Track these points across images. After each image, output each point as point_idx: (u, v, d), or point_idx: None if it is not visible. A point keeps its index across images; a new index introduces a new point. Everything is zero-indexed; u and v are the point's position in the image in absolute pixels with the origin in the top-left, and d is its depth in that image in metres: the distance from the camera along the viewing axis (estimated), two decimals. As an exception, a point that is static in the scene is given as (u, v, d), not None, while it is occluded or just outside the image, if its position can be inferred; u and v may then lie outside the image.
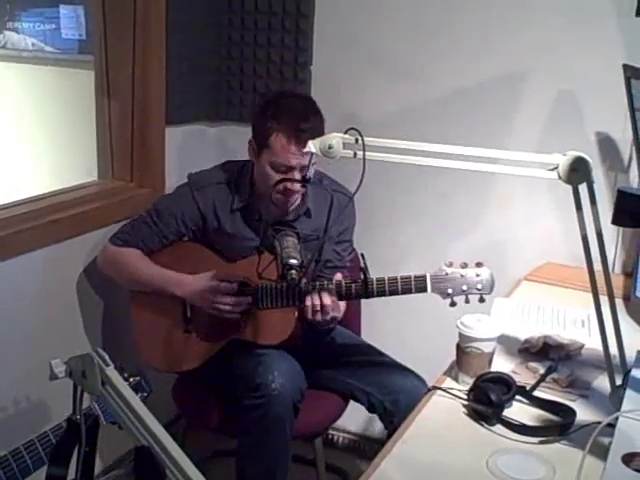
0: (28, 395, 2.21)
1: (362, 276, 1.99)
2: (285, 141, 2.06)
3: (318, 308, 2.01)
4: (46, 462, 1.52)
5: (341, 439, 3.01)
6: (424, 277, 1.96)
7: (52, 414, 2.21)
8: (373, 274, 2.00)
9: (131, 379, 1.81)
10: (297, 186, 2.11)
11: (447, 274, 1.94)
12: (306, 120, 2.08)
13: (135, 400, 0.98)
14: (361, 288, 2.00)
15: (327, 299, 2.02)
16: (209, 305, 2.14)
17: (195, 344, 2.21)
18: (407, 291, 1.98)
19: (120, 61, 2.50)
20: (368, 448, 2.95)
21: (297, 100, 2.19)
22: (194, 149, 2.85)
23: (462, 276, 1.93)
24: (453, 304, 1.92)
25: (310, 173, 2.03)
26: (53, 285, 2.31)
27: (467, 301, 1.93)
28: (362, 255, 1.98)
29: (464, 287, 1.93)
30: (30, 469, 1.52)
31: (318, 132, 2.04)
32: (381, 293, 2.00)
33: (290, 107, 2.12)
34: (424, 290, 1.96)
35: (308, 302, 2.02)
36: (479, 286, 1.92)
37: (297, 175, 2.09)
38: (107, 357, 1.00)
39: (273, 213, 2.17)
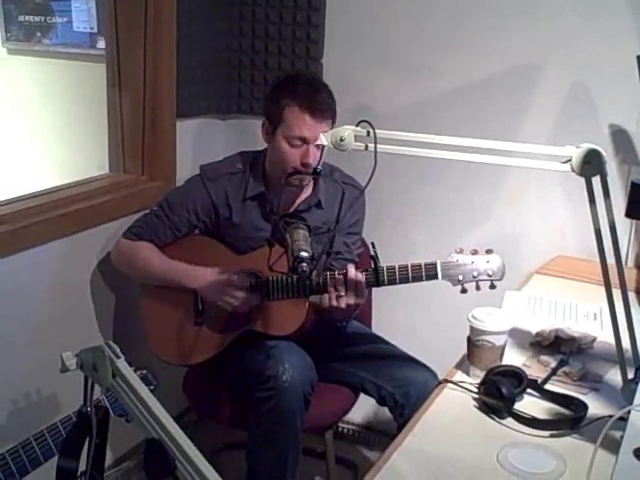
0: (38, 388, 2.22)
1: (372, 264, 1.98)
2: (298, 111, 2.07)
3: (343, 293, 1.99)
4: (56, 453, 1.52)
5: (349, 431, 3.01)
6: (435, 264, 1.95)
7: (62, 406, 2.21)
8: (383, 265, 1.99)
9: (137, 372, 1.81)
10: (312, 159, 2.09)
11: (457, 261, 1.93)
12: (319, 92, 2.10)
13: (146, 392, 0.98)
14: (372, 276, 2.00)
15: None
16: (219, 298, 2.14)
17: (206, 336, 2.21)
18: (418, 278, 1.97)
19: (131, 54, 2.50)
20: (376, 440, 2.96)
21: (308, 78, 2.22)
22: (205, 142, 2.85)
23: (472, 262, 1.92)
24: (464, 291, 1.91)
25: (321, 165, 2.04)
26: (64, 278, 2.31)
27: (478, 288, 1.91)
28: (372, 244, 1.98)
29: (475, 273, 1.92)
30: (40, 460, 1.53)
31: (331, 108, 2.10)
32: (392, 281, 1.99)
33: (302, 83, 2.14)
34: (435, 277, 1.95)
35: (330, 288, 2.01)
36: (490, 272, 1.91)
37: (312, 150, 2.08)
38: (118, 350, 1.00)
39: (285, 200, 2.17)
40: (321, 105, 2.08)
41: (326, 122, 2.09)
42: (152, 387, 1.82)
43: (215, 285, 2.15)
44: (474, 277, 1.92)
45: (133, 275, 2.32)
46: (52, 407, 2.22)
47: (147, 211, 2.30)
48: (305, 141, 2.08)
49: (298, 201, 2.26)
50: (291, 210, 2.24)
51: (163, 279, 2.23)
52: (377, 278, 1.99)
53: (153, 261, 2.24)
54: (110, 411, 1.53)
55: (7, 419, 2.12)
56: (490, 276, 1.92)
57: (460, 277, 1.92)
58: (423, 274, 1.96)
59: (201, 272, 2.19)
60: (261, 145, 2.30)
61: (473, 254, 1.93)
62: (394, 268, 1.99)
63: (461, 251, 1.94)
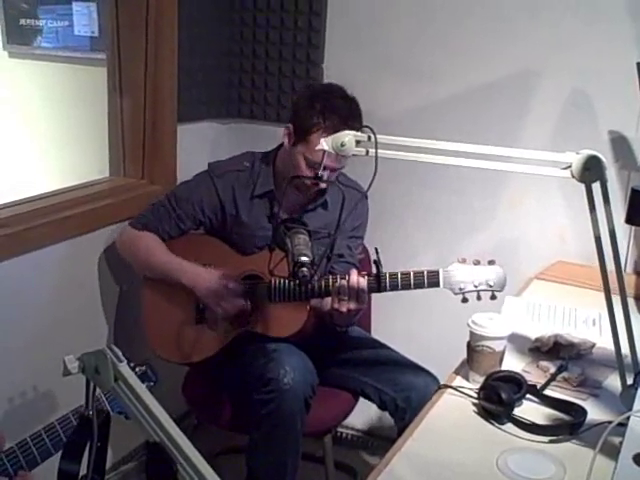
0: (36, 388, 2.22)
1: (375, 270, 1.99)
2: None
3: (345, 298, 2.00)
4: (53, 453, 1.52)
5: (348, 435, 3.01)
6: (437, 272, 1.96)
7: (59, 406, 2.21)
8: (385, 271, 2.00)
9: (137, 369, 1.81)
10: (323, 185, 2.14)
11: (460, 270, 1.94)
12: (350, 125, 2.04)
13: (148, 396, 0.98)
14: (374, 282, 2.00)
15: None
16: (215, 302, 2.15)
17: (207, 335, 2.21)
18: (419, 285, 1.98)
19: (132, 58, 2.50)
20: (375, 445, 2.96)
21: (345, 101, 2.17)
22: (206, 146, 2.86)
23: (474, 273, 1.94)
24: (465, 300, 1.92)
25: (321, 170, 2.05)
26: (65, 281, 2.32)
27: (479, 298, 1.93)
28: (376, 249, 1.99)
29: (476, 284, 1.93)
30: (37, 460, 1.52)
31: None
32: (394, 287, 2.00)
33: (338, 107, 2.12)
34: (436, 285, 1.96)
35: (333, 292, 2.01)
36: (491, 283, 1.93)
37: (326, 174, 2.11)
38: (120, 353, 1.01)
39: (293, 202, 2.19)
40: None
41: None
42: (152, 383, 1.82)
43: (213, 289, 2.15)
44: (475, 287, 1.93)
45: (134, 263, 2.32)
46: (49, 407, 2.22)
47: (155, 201, 2.31)
48: (324, 168, 2.09)
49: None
50: (299, 212, 2.25)
51: (162, 272, 2.22)
52: (379, 284, 2.00)
53: (155, 251, 2.24)
54: (109, 409, 1.53)
55: (4, 420, 2.12)
56: (491, 287, 1.93)
57: (461, 286, 1.94)
58: (425, 281, 1.98)
59: (200, 272, 2.19)
60: (263, 148, 2.31)
61: (475, 264, 1.95)
62: (396, 274, 2.00)
63: (464, 261, 1.96)
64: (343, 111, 2.12)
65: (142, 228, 2.26)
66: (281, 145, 2.25)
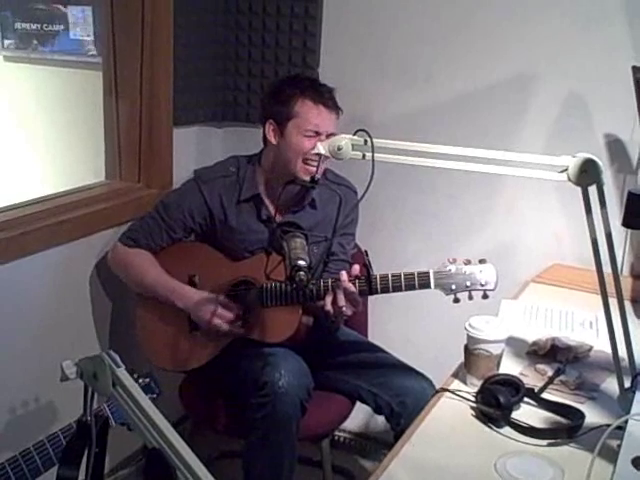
0: (38, 396, 2.21)
1: (365, 273, 1.99)
2: (312, 103, 2.13)
3: (342, 303, 1.98)
4: (56, 462, 1.52)
5: (345, 439, 3.01)
6: (427, 273, 1.95)
7: (62, 415, 2.21)
8: (376, 273, 1.99)
9: (141, 380, 1.81)
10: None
11: (451, 270, 1.94)
12: (324, 86, 2.19)
13: (146, 402, 0.98)
14: (364, 285, 2.00)
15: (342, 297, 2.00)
16: (206, 323, 2.16)
17: (201, 342, 2.21)
18: (410, 287, 1.97)
19: (128, 62, 2.50)
20: (372, 448, 2.95)
21: (308, 76, 2.31)
22: (202, 150, 2.85)
23: (465, 272, 1.93)
24: (456, 300, 1.91)
25: (318, 175, 2.04)
26: (61, 286, 2.31)
27: (470, 297, 1.92)
28: (366, 252, 1.98)
29: (467, 283, 1.92)
30: (40, 470, 1.52)
31: (337, 103, 2.19)
32: (384, 290, 1.99)
33: (306, 79, 2.24)
34: (427, 286, 1.95)
35: (328, 298, 2.00)
36: (482, 282, 1.92)
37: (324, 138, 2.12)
38: (118, 359, 1.00)
39: (281, 201, 2.17)
40: (330, 95, 2.16)
41: (336, 113, 2.16)
42: (155, 395, 1.82)
43: (203, 307, 2.15)
44: (467, 287, 1.92)
45: (127, 282, 2.32)
46: (52, 416, 2.22)
47: (144, 214, 2.31)
48: (318, 133, 2.11)
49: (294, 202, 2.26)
50: (288, 213, 2.25)
51: (154, 292, 2.23)
52: (370, 287, 1.99)
53: (148, 272, 2.24)
54: (112, 420, 1.53)
55: (6, 428, 2.11)
56: (483, 286, 1.92)
57: (453, 287, 1.93)
58: (416, 283, 1.97)
59: (190, 293, 2.20)
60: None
61: (466, 264, 1.94)
62: (387, 277, 1.99)
63: (454, 261, 1.95)
64: (311, 79, 2.27)
65: (133, 245, 2.26)
66: (263, 149, 2.25)
